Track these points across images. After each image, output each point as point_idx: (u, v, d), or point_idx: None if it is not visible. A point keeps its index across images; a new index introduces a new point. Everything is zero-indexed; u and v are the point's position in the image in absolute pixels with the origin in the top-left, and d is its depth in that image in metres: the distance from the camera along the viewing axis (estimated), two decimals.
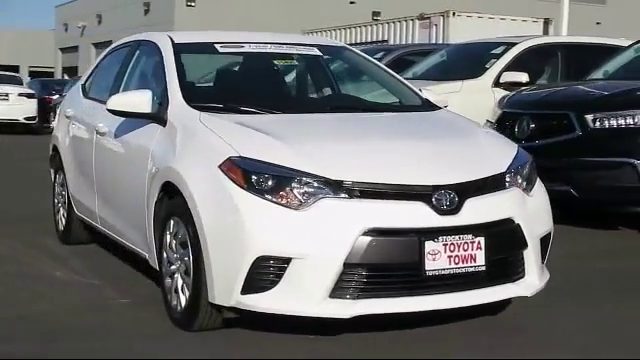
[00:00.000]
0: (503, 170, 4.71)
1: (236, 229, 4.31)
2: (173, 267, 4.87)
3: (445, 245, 4.31)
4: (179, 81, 5.35)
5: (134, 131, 5.50)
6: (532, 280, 4.67)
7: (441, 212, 4.34)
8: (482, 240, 4.40)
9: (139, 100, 5.29)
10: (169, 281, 4.95)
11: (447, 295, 4.37)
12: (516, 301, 4.94)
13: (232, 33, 6.37)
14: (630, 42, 10.47)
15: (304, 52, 6.13)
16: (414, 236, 4.28)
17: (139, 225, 5.36)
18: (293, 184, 4.31)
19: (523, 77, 10.29)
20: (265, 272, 4.28)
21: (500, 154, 4.91)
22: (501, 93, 9.97)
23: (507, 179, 4.69)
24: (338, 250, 4.20)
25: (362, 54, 6.35)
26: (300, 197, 4.28)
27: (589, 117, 7.84)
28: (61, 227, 7.30)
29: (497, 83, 10.44)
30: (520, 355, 4.53)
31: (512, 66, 10.53)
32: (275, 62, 6.10)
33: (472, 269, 4.39)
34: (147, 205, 5.15)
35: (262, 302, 4.31)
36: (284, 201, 4.29)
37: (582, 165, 7.84)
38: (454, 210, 4.37)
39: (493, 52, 10.90)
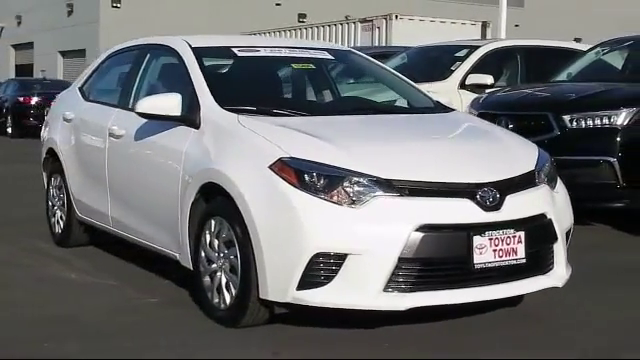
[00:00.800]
0: (532, 168, 4.96)
1: (292, 227, 4.43)
2: (214, 266, 4.96)
3: (490, 239, 4.52)
4: (207, 85, 5.43)
5: (160, 134, 5.54)
6: (560, 271, 4.91)
7: (485, 208, 4.55)
8: (522, 234, 4.62)
9: (169, 103, 5.36)
10: (208, 280, 5.03)
11: (492, 287, 4.58)
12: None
13: (243, 37, 6.46)
14: (589, 46, 10.88)
15: (318, 56, 6.26)
16: (463, 231, 4.48)
17: (168, 226, 5.42)
18: (345, 183, 4.45)
19: (488, 79, 10.61)
20: (321, 268, 4.41)
21: (526, 153, 5.15)
22: (467, 95, 10.27)
23: (536, 177, 4.94)
24: (393, 246, 4.36)
25: (368, 57, 6.53)
26: (352, 196, 4.43)
27: (567, 117, 8.12)
28: (58, 230, 7.27)
29: (463, 85, 10.74)
30: (555, 341, 4.76)
31: (476, 68, 10.84)
32: (293, 66, 6.24)
33: (514, 262, 4.61)
34: (181, 206, 5.22)
35: (318, 297, 4.44)
36: (337, 199, 4.43)
37: (561, 164, 8.10)
38: (497, 206, 4.58)
39: (457, 55, 11.19)
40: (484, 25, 21.70)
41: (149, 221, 5.72)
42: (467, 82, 10.70)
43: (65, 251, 7.10)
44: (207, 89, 5.40)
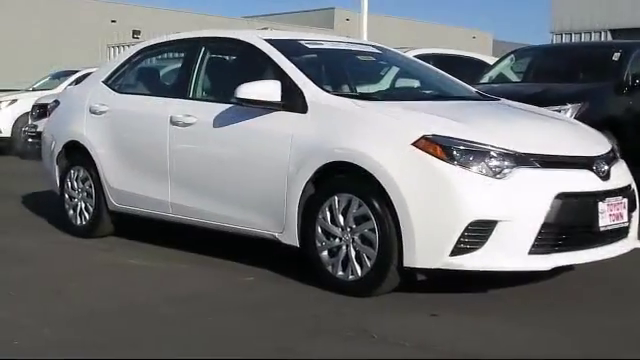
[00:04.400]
0: (612, 145, 5.42)
1: (447, 197, 4.62)
2: (336, 241, 5.06)
3: (608, 205, 4.93)
4: (303, 73, 5.51)
5: (253, 119, 5.54)
6: (634, 235, 5.38)
7: (601, 178, 4.95)
8: (625, 201, 5.08)
9: (270, 89, 5.39)
10: (325, 254, 5.12)
11: (607, 247, 5.00)
12: None
13: (300, 33, 6.53)
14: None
15: (371, 50, 6.47)
16: (590, 198, 4.87)
17: (265, 206, 5.42)
18: (488, 157, 4.70)
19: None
20: (473, 235, 4.63)
21: (597, 132, 5.62)
22: None
23: (616, 152, 5.41)
24: (538, 212, 4.65)
25: (399, 52, 6.79)
26: (495, 168, 4.69)
27: None
28: (81, 221, 7.02)
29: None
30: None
31: None
32: (359, 58, 6.39)
33: (621, 224, 5.06)
34: (288, 186, 5.26)
35: (469, 261, 4.66)
36: (485, 172, 4.67)
37: None
38: (607, 176, 5.01)
39: None
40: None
41: (234, 203, 5.69)
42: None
43: (94, 241, 6.88)
44: (305, 76, 5.48)
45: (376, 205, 4.84)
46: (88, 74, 17.54)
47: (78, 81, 16.87)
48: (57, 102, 7.62)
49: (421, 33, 43.79)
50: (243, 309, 4.82)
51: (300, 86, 5.42)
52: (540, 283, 5.24)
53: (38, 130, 14.79)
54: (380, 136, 4.92)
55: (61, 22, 35.78)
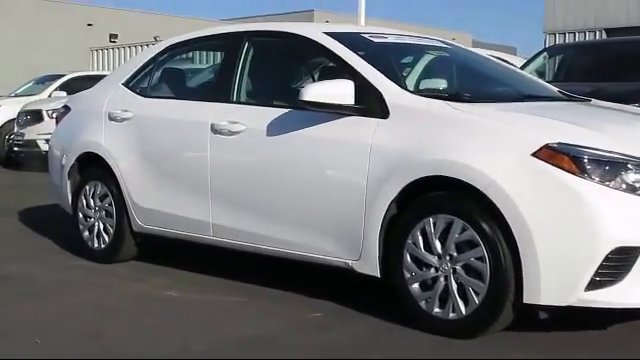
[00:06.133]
0: None
1: (580, 219, 3.74)
2: (431, 271, 4.17)
3: None
4: (379, 70, 4.63)
5: (318, 126, 4.65)
6: None
7: None
8: None
9: (343, 90, 4.49)
10: (416, 287, 4.24)
11: None
12: None
13: (358, 26, 5.58)
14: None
15: (440, 44, 5.59)
16: None
17: (337, 230, 4.54)
18: (626, 169, 3.83)
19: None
20: (613, 265, 3.76)
21: None
22: None
23: None
24: None
25: (466, 47, 5.91)
26: (636, 183, 3.83)
27: None
28: (99, 244, 6.07)
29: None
30: None
31: None
32: (431, 53, 5.50)
33: None
34: (368, 205, 4.37)
35: (605, 297, 3.78)
36: (624, 187, 3.81)
37: None
38: None
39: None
40: None
41: (296, 225, 4.78)
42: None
43: (116, 267, 5.94)
44: (381, 74, 4.59)
45: (486, 228, 3.95)
46: (76, 79, 16.64)
47: (64, 86, 15.87)
48: (67, 108, 6.64)
49: None
50: (318, 354, 3.94)
51: (377, 86, 4.53)
52: None
53: (26, 138, 13.77)
54: (490, 145, 4.03)
55: (36, 26, 34.59)
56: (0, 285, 5.40)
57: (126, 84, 6.08)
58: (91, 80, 17.22)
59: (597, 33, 22.91)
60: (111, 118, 5.96)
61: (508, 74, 5.56)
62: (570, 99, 5.29)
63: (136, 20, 38.09)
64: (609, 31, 22.58)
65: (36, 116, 13.72)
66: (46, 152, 13.37)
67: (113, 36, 36.91)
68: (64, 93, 15.02)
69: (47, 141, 13.27)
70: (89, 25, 36.99)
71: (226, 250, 5.36)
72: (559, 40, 23.41)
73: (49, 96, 15.38)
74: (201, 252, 5.80)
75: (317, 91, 4.50)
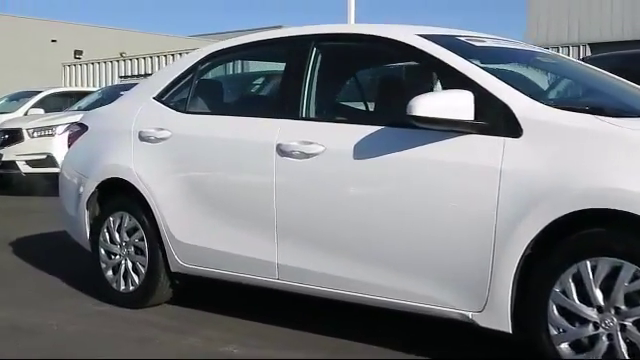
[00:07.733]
0: None
1: None
2: (589, 328, 3.30)
3: None
4: (499, 79, 3.76)
5: (425, 146, 3.75)
6: None
7: None
8: None
9: (462, 103, 3.61)
10: (566, 347, 3.36)
11: None
12: None
13: (445, 29, 4.68)
14: None
15: (542, 51, 4.75)
16: None
17: (452, 275, 3.66)
18: None
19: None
20: None
21: None
22: None
23: None
24: None
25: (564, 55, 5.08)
26: None
27: None
28: (127, 286, 5.11)
29: None
30: None
31: None
32: (540, 59, 4.63)
33: None
34: (498, 246, 3.49)
35: None
36: None
37: None
38: None
39: None
40: None
41: (395, 268, 3.88)
42: None
43: (149, 313, 4.99)
44: (504, 84, 3.72)
45: None
46: (52, 95, 15.55)
47: (41, 103, 14.82)
48: (83, 126, 5.65)
49: None
50: None
51: (502, 98, 3.65)
52: None
53: (4, 159, 12.67)
54: None
55: (1, 41, 33.42)
56: (5, 341, 4.40)
57: (159, 98, 5.14)
58: (69, 96, 16.43)
59: (581, 48, 22.33)
60: (142, 138, 5.01)
61: (619, 85, 4.71)
62: None
63: (100, 36, 37.07)
64: (593, 46, 22.03)
65: (15, 135, 12.60)
66: (26, 174, 12.53)
67: (78, 52, 35.83)
68: (42, 110, 14.00)
69: (28, 162, 12.34)
70: (53, 41, 35.85)
71: (276, 292, 4.46)
72: None
73: (25, 114, 14.29)
74: (245, 292, 4.88)
75: (430, 104, 3.60)
